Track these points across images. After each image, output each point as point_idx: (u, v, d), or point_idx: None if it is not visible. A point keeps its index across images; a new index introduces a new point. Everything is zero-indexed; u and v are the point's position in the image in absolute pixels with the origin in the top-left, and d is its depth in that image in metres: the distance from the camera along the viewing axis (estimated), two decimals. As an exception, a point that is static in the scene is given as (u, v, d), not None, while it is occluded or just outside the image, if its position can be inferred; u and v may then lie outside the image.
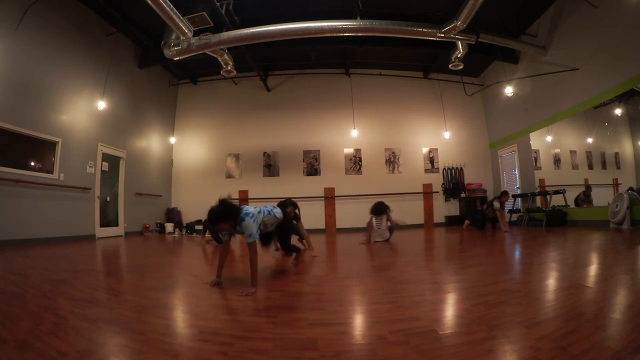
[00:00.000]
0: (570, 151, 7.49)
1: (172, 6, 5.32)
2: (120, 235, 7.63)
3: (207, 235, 6.12)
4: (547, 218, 6.88)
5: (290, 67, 9.71)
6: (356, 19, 6.09)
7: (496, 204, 6.42)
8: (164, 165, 9.74)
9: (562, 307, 1.57)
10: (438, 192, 9.70)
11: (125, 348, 1.29)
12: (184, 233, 8.86)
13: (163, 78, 9.67)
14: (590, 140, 6.95)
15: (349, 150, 9.78)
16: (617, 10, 5.60)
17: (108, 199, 7.54)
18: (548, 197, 7.34)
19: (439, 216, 9.61)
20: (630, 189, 5.73)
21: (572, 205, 7.06)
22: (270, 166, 9.79)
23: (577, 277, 2.21)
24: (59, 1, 6.14)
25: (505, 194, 6.64)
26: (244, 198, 9.57)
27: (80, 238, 6.40)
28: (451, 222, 9.25)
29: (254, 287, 2.13)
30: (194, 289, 2.34)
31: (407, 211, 9.35)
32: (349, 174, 9.68)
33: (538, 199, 7.98)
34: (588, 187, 6.98)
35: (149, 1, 5.03)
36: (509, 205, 8.37)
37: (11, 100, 5.24)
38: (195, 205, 9.65)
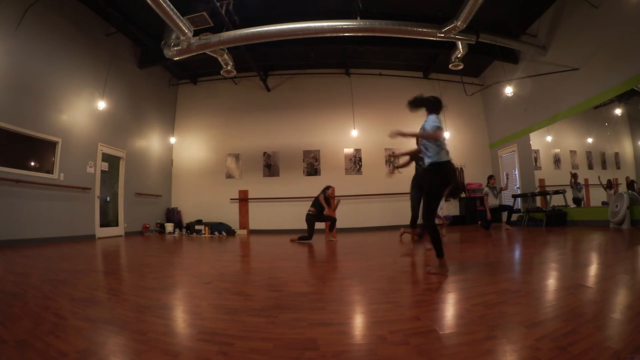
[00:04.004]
0: (570, 151, 7.49)
1: (172, 6, 5.32)
2: (120, 235, 7.63)
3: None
4: (547, 218, 6.88)
5: (290, 67, 9.71)
6: (356, 19, 6.09)
7: (485, 189, 6.84)
8: (164, 165, 9.74)
9: (562, 307, 1.57)
10: (438, 192, 9.70)
11: (125, 348, 1.29)
12: (184, 233, 8.86)
13: (163, 78, 9.67)
14: (590, 140, 6.95)
15: (349, 150, 9.78)
16: (617, 10, 5.60)
17: (108, 199, 7.54)
18: (548, 197, 7.34)
19: (439, 216, 9.62)
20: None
21: (573, 205, 7.06)
22: (270, 166, 9.79)
23: (577, 277, 2.21)
24: (59, 1, 6.14)
25: (491, 177, 7.00)
26: (244, 198, 9.57)
27: (80, 238, 6.40)
28: (451, 222, 9.24)
29: None
30: (194, 289, 2.34)
31: (407, 211, 9.34)
32: (349, 174, 9.68)
33: (538, 199, 7.98)
34: (574, 176, 7.17)
35: (149, 1, 5.03)
36: (508, 200, 8.36)
37: (11, 100, 5.24)
38: (195, 205, 9.66)
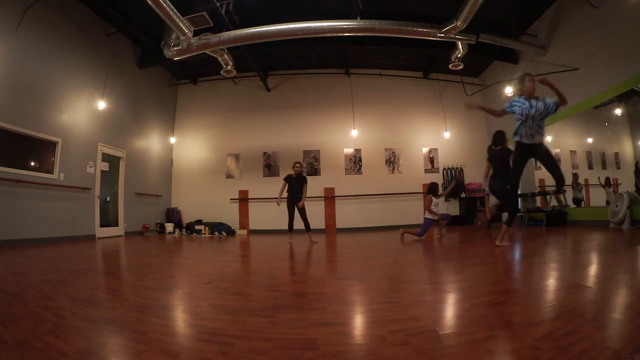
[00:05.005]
0: (570, 151, 7.49)
1: (172, 6, 5.32)
2: (120, 236, 7.63)
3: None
4: (547, 218, 6.88)
5: (290, 67, 9.71)
6: (356, 19, 6.10)
7: (487, 189, 6.69)
8: (164, 165, 9.74)
9: (562, 307, 1.57)
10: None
11: (125, 348, 1.29)
12: (184, 233, 8.86)
13: (163, 78, 9.67)
14: (590, 140, 6.95)
15: (349, 150, 9.78)
16: (617, 10, 5.60)
17: (108, 199, 7.55)
18: (548, 197, 7.34)
19: (439, 216, 9.61)
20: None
21: (573, 205, 7.06)
22: (270, 166, 9.79)
23: (577, 277, 2.21)
24: (59, 1, 6.14)
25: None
26: (244, 198, 9.57)
27: (80, 238, 6.40)
28: (451, 222, 9.24)
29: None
30: (194, 289, 2.34)
31: (407, 211, 9.36)
32: (349, 174, 9.69)
33: (538, 199, 7.98)
34: (575, 176, 7.14)
35: (149, 1, 5.04)
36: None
37: (11, 100, 5.24)
38: (195, 205, 9.66)
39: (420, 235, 5.48)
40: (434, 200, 5.55)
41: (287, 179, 5.77)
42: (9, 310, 1.72)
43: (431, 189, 5.66)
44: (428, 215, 5.57)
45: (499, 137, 4.67)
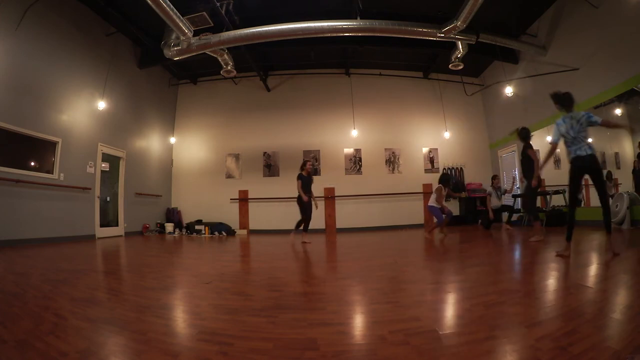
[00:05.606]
0: (571, 151, 7.48)
1: (172, 6, 5.32)
2: (120, 236, 7.63)
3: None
4: (547, 218, 6.88)
5: (290, 67, 9.71)
6: (356, 19, 6.09)
7: (489, 189, 6.74)
8: (164, 165, 9.74)
9: (562, 307, 1.57)
10: (438, 192, 9.69)
11: (125, 348, 1.29)
12: (184, 233, 8.86)
13: (163, 78, 9.67)
14: (590, 140, 6.93)
15: (349, 150, 9.78)
16: (617, 10, 5.60)
17: (108, 199, 7.54)
18: (548, 197, 7.33)
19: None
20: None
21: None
22: (270, 166, 9.79)
23: (577, 277, 2.21)
24: (59, 1, 6.14)
25: (495, 177, 6.89)
26: (244, 198, 9.57)
27: (80, 238, 6.40)
28: (451, 222, 9.23)
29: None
30: (194, 289, 2.34)
31: (407, 211, 9.37)
32: (349, 174, 9.68)
33: (538, 198, 7.96)
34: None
35: (149, 1, 5.03)
36: (508, 200, 8.33)
37: (11, 100, 5.24)
38: (195, 205, 9.66)
39: (440, 222, 5.56)
40: (444, 191, 5.64)
41: (301, 177, 5.71)
42: (9, 310, 1.72)
43: (444, 179, 5.71)
44: (433, 203, 5.62)
45: (525, 133, 4.64)
